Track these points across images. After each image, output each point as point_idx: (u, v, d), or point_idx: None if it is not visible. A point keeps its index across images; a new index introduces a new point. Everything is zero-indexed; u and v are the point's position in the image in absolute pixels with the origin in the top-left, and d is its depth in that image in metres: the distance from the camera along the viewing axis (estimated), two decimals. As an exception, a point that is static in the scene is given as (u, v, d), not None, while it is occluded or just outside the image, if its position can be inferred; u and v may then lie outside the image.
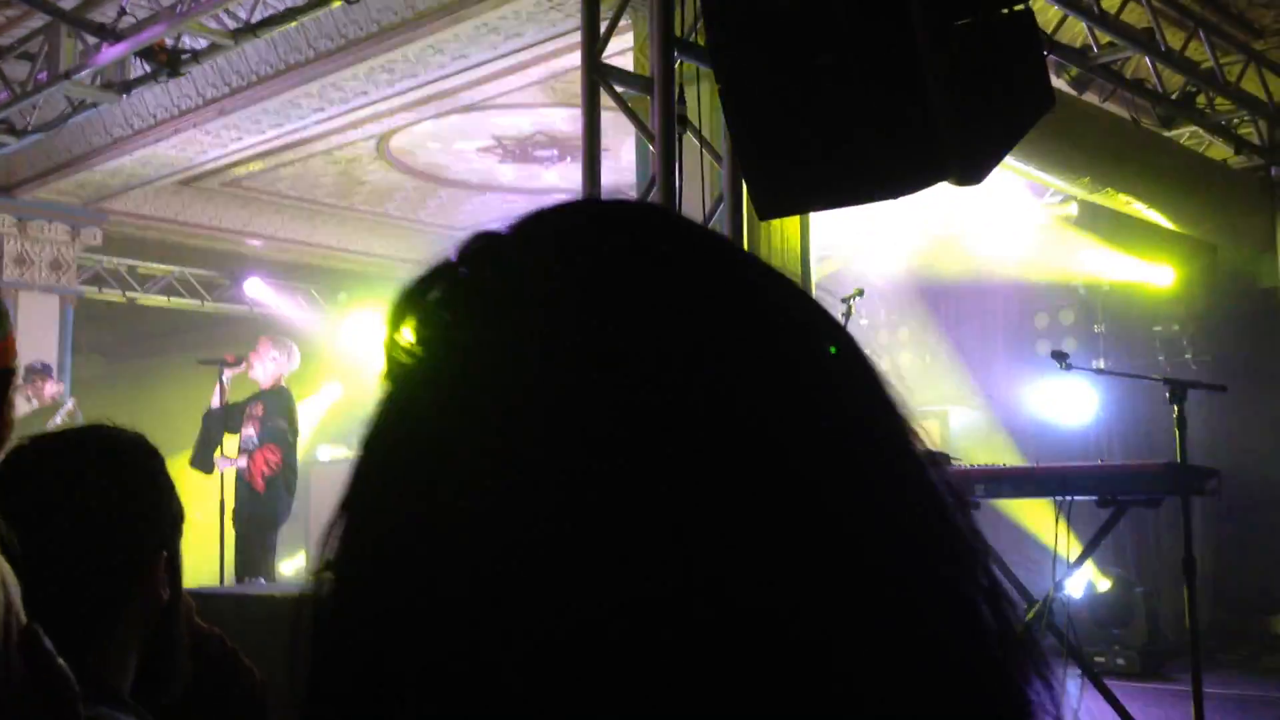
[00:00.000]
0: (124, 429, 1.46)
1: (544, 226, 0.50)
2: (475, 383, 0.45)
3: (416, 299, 0.48)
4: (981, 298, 9.23)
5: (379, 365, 0.48)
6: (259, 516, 7.33)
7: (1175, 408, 4.44)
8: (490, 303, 0.47)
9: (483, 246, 0.49)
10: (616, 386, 0.43)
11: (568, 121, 8.27)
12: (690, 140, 4.30)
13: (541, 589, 0.40)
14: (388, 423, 0.47)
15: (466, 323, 0.47)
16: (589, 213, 0.53)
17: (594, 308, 0.45)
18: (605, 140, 4.39)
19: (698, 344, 0.44)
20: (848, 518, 0.42)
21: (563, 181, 9.55)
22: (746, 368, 0.44)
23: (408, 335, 0.47)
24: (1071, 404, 8.28)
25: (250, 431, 7.44)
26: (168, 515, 1.44)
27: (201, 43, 6.30)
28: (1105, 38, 6.43)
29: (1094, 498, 4.58)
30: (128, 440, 1.44)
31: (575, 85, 7.51)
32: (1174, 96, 7.06)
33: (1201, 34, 6.81)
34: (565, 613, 0.40)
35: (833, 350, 0.47)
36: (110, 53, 6.25)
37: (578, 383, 0.43)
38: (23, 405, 8.46)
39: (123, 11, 6.18)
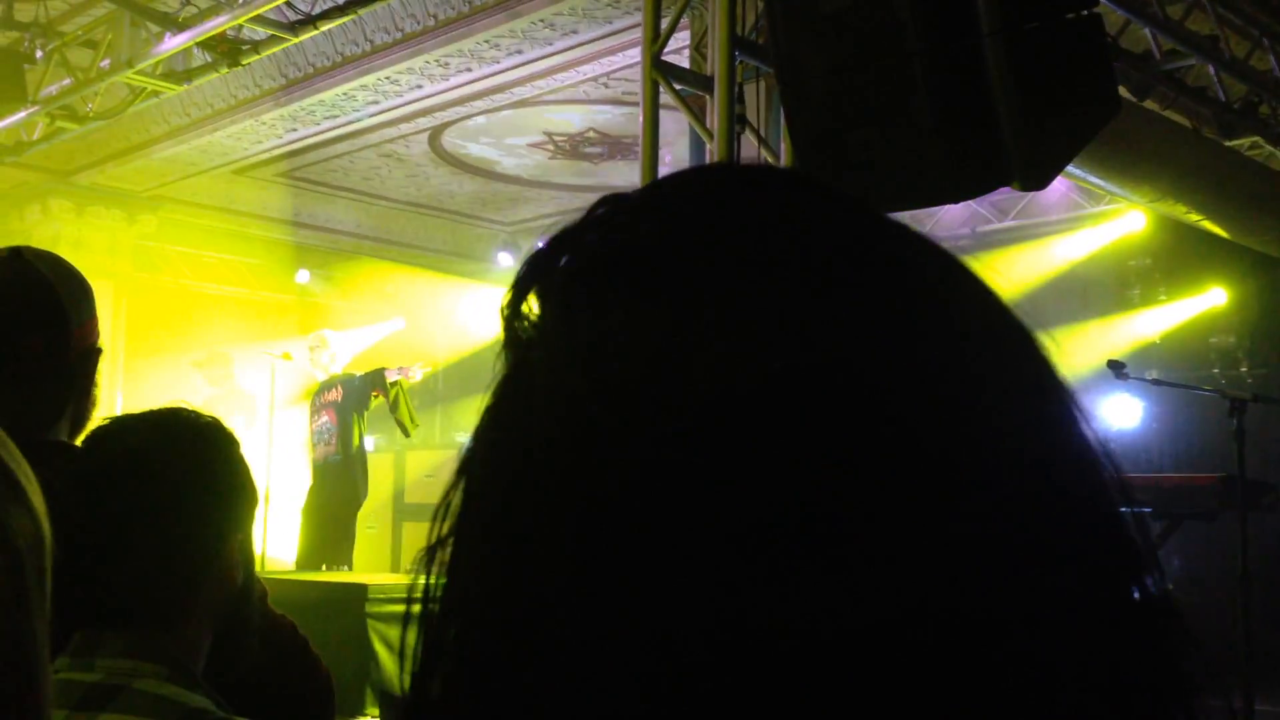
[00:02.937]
0: (201, 412, 1.48)
1: (685, 191, 0.46)
2: (598, 364, 0.40)
3: (542, 268, 0.44)
4: (1032, 303, 9.12)
5: (499, 336, 0.45)
6: (345, 498, 7.30)
7: (1235, 421, 4.37)
8: (622, 277, 0.42)
9: (614, 211, 0.45)
10: (766, 379, 0.38)
11: (619, 118, 8.27)
12: (748, 140, 4.29)
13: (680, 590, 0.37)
14: (506, 405, 0.44)
15: (593, 298, 0.42)
16: (736, 178, 0.47)
17: (740, 285, 0.40)
18: (660, 138, 4.38)
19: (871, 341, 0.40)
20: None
21: (615, 179, 9.56)
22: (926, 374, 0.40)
23: (532, 306, 0.44)
24: (1122, 413, 8.18)
25: (325, 419, 7.44)
26: (243, 498, 1.46)
27: (262, 34, 6.36)
28: (1168, 44, 6.34)
29: (1148, 510, 4.52)
30: (205, 423, 1.45)
31: (627, 83, 7.54)
32: (1236, 105, 6.95)
33: (1266, 42, 6.70)
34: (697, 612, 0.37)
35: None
36: (172, 42, 6.32)
37: (718, 370, 0.39)
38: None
39: (186, 1, 6.25)
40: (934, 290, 0.43)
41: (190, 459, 1.39)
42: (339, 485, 7.30)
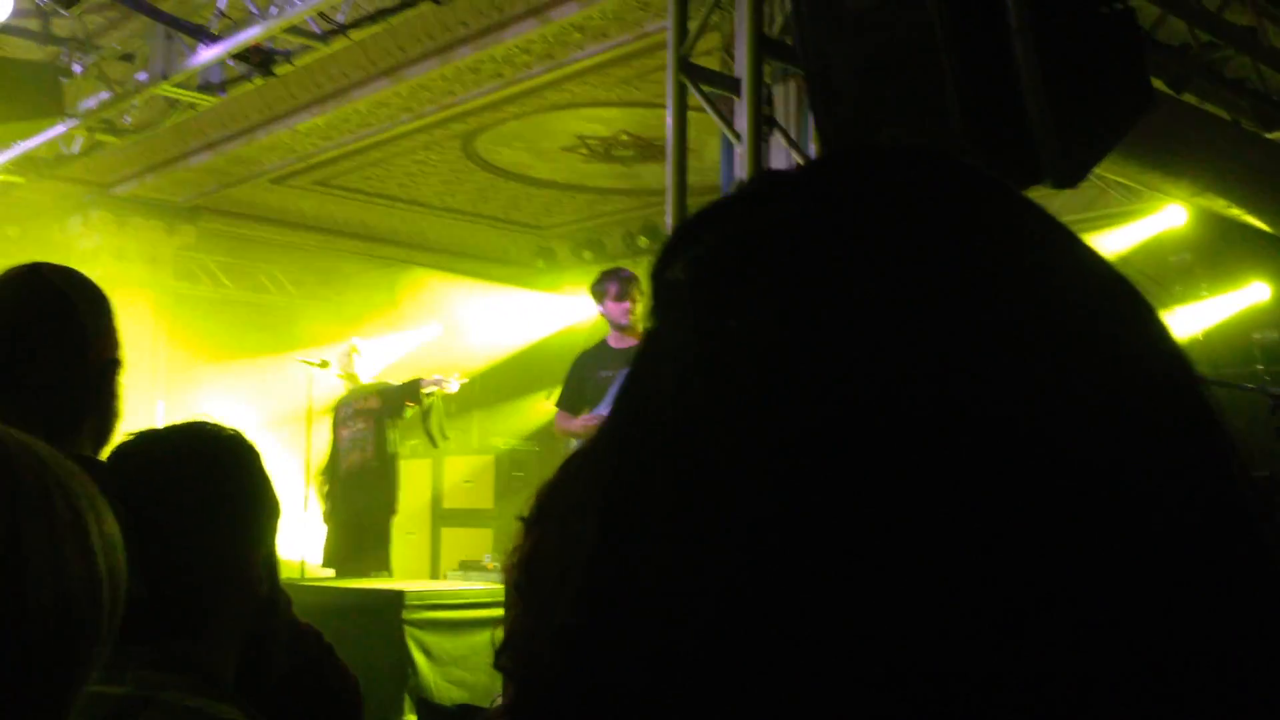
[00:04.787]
0: (223, 425, 1.49)
1: (840, 175, 0.45)
2: (728, 346, 0.40)
3: (690, 236, 0.45)
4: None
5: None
6: (382, 505, 7.32)
7: (1277, 419, 4.30)
8: (757, 257, 0.42)
9: (764, 188, 0.45)
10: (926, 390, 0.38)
11: (651, 121, 8.27)
12: (777, 141, 4.27)
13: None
14: (648, 368, 0.44)
15: (728, 276, 0.42)
16: (894, 163, 0.46)
17: (880, 278, 0.40)
18: (689, 140, 4.37)
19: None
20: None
21: (650, 180, 9.55)
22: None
23: (677, 273, 0.44)
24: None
25: (362, 425, 7.43)
26: (265, 511, 1.47)
27: (295, 45, 6.41)
28: (1205, 36, 6.26)
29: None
30: (227, 436, 1.46)
31: (659, 85, 7.53)
32: (1275, 97, 6.84)
33: (1307, 32, 6.60)
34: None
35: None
36: (206, 55, 6.39)
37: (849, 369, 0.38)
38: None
39: (220, 14, 6.32)
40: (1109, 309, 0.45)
41: (213, 473, 1.40)
42: (376, 492, 7.32)
